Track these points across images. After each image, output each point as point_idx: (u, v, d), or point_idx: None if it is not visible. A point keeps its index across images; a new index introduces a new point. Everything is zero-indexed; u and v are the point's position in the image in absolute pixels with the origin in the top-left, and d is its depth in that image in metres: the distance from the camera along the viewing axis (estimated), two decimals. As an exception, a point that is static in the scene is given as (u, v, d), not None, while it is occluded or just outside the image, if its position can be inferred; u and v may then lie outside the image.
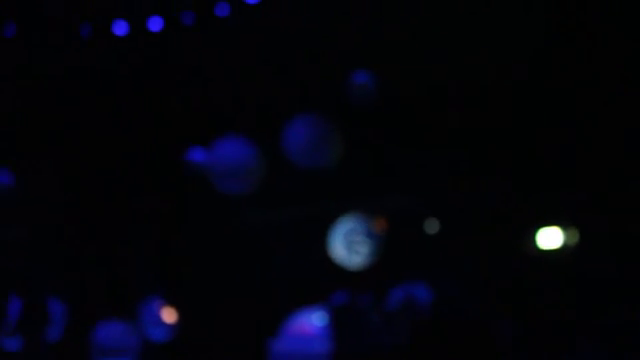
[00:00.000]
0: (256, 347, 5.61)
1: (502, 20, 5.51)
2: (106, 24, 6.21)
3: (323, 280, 5.87)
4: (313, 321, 5.35)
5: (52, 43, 6.25)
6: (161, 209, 6.72)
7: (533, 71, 5.64)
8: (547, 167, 5.69)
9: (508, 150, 5.81)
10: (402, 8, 5.62)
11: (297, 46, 5.89)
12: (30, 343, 6.41)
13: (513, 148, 5.80)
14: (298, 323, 5.43)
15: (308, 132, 5.67)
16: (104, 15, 6.19)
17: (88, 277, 6.70)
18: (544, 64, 5.61)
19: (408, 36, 5.71)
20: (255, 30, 5.89)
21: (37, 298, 6.49)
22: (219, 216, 6.52)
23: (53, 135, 6.64)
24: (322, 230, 6.18)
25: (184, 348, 6.48)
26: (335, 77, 5.73)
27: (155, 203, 6.71)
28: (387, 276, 5.54)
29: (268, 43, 5.91)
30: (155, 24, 6.16)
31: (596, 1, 5.46)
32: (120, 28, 6.26)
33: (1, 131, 6.51)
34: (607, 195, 5.56)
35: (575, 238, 5.82)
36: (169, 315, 6.49)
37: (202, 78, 6.24)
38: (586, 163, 5.59)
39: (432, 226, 6.04)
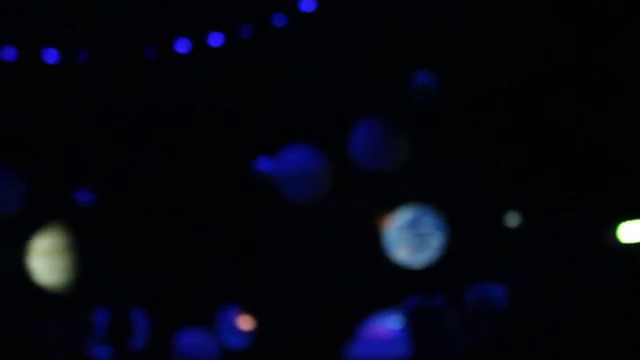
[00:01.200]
0: (332, 352, 5.26)
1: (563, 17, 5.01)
2: (169, 43, 6.03)
3: (398, 281, 5.46)
4: (389, 324, 4.95)
5: (119, 66, 6.10)
6: (235, 219, 6.52)
7: (607, 67, 5.12)
8: (629, 160, 5.14)
9: (588, 144, 5.29)
10: (462, 7, 5.19)
11: (357, 50, 5.53)
12: (117, 351, 6.32)
13: (593, 142, 5.29)
14: (374, 327, 5.04)
15: (373, 136, 5.29)
16: (167, 34, 6.01)
17: (168, 288, 6.57)
18: (619, 60, 5.08)
19: (469, 35, 5.28)
20: (314, 37, 5.56)
21: (122, 309, 6.41)
22: (290, 223, 6.25)
23: (127, 152, 6.51)
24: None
25: (262, 355, 6.22)
26: (397, 79, 5.35)
27: (229, 213, 6.52)
28: (462, 274, 5.08)
29: (328, 49, 5.57)
30: (215, 40, 5.95)
31: None
32: (183, 46, 6.08)
33: (79, 152, 6.44)
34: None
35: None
36: (246, 322, 6.28)
37: (265, 88, 5.98)
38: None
39: (513, 219, 5.52)
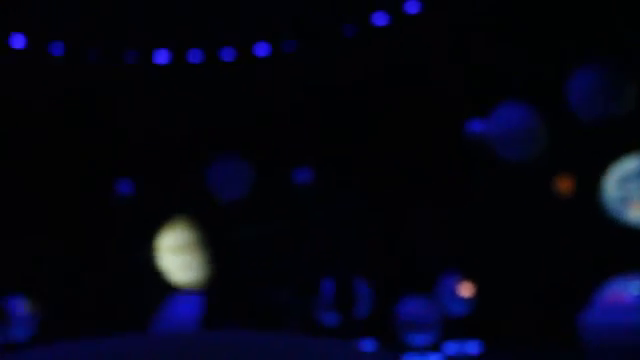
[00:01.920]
0: (565, 320, 4.70)
1: None
2: (366, 19, 5.81)
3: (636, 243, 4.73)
4: (630, 290, 4.29)
5: (324, 48, 6.03)
6: (453, 187, 6.16)
7: None
8: None
9: None
10: None
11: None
12: (344, 318, 6.34)
13: None
14: (613, 293, 4.40)
15: (594, 82, 4.58)
16: (364, 11, 5.80)
17: (390, 258, 6.44)
18: None
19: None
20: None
21: (347, 279, 6.42)
22: (507, 185, 5.72)
23: (331, 133, 6.44)
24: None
25: (484, 322, 5.82)
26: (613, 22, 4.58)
27: (444, 180, 6.18)
28: None
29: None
30: (380, 19, 5.65)
31: None
32: (380, 19, 5.83)
33: (297, 134, 6.51)
34: None
35: None
36: (466, 289, 5.92)
37: (472, 49, 5.51)
38: None
39: None
